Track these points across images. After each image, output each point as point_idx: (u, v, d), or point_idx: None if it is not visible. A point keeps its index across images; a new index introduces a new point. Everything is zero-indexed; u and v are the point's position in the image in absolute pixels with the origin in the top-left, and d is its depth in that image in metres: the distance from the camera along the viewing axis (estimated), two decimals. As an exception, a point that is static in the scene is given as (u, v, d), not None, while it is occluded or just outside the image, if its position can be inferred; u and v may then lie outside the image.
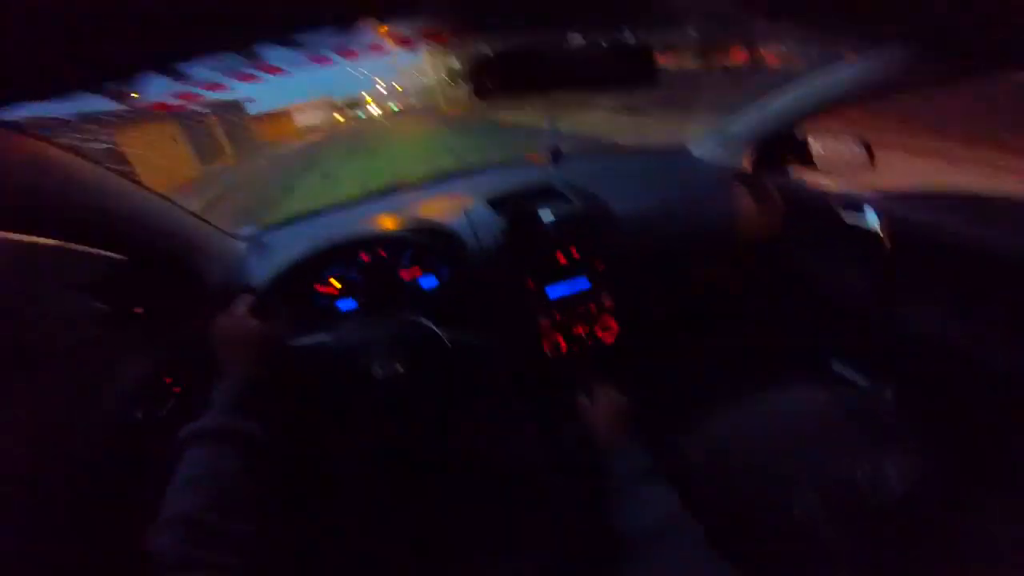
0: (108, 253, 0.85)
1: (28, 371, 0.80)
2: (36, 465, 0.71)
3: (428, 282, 1.08)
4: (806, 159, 1.12)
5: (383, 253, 1.05)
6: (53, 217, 0.69)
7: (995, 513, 0.51)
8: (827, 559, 0.56)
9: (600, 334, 1.11)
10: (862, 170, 1.00)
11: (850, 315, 1.09)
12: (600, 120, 8.58)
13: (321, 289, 1.04)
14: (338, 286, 1.05)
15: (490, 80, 0.66)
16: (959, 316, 0.86)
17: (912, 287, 0.95)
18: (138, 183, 0.86)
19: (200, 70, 0.54)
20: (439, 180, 1.50)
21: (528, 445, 1.14)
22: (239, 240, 1.20)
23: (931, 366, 0.90)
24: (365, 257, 1.05)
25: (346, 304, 1.05)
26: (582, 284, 1.09)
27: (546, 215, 1.08)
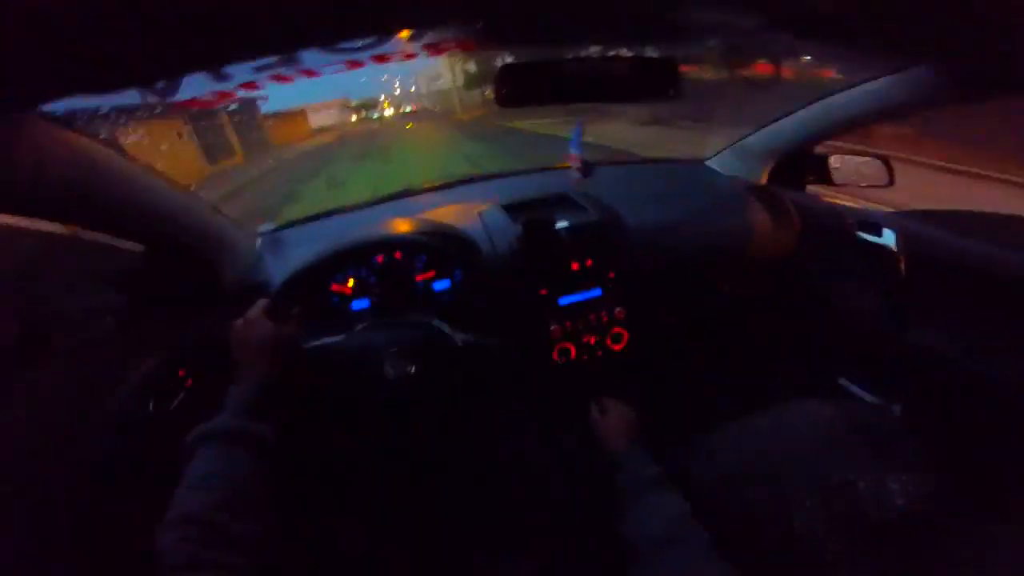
0: (127, 245, 0.91)
1: (45, 360, 0.85)
2: (46, 455, 0.74)
3: (442, 286, 1.12)
4: (824, 176, 1.16)
5: (398, 256, 1.10)
6: (81, 207, 0.73)
7: (997, 533, 0.53)
8: (830, 570, 0.58)
9: (610, 343, 1.14)
10: (880, 188, 1.03)
11: (860, 332, 1.12)
12: (625, 131, 8.59)
13: (336, 289, 1.09)
14: (352, 286, 1.09)
15: (514, 89, 0.71)
16: (969, 336, 0.88)
17: (924, 306, 0.97)
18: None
19: (241, 70, 0.59)
20: (455, 185, 1.55)
21: (534, 449, 1.17)
22: (256, 236, 1.26)
23: (939, 385, 0.92)
24: (380, 259, 1.09)
25: (359, 304, 1.10)
26: (594, 293, 1.12)
27: (561, 224, 1.12)
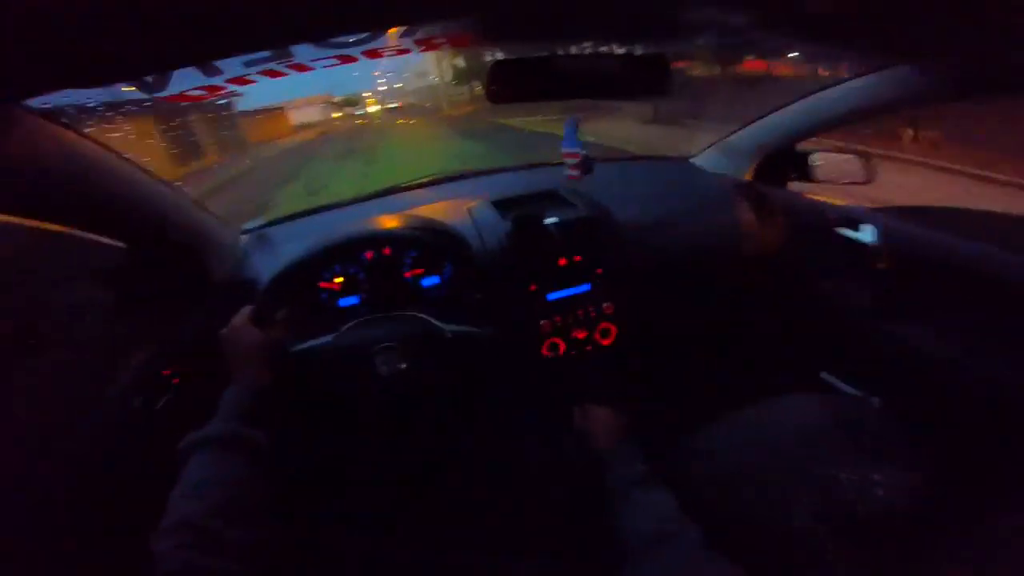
0: (116, 242, 0.91)
1: (28, 357, 0.86)
2: (29, 453, 0.74)
3: (431, 282, 1.15)
4: (807, 173, 1.21)
5: (387, 252, 1.12)
6: (69, 203, 0.74)
7: (978, 523, 0.56)
8: (821, 563, 0.61)
9: (598, 338, 1.17)
10: (860, 185, 1.08)
11: (841, 326, 1.17)
12: (626, 129, 8.54)
13: (324, 286, 1.10)
14: (340, 283, 1.11)
15: (506, 85, 0.73)
16: (949, 331, 0.92)
17: (904, 301, 1.01)
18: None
19: (232, 65, 0.60)
20: (444, 181, 1.58)
21: (529, 445, 1.20)
22: (243, 234, 1.27)
23: (919, 379, 0.96)
24: (370, 255, 1.11)
25: (347, 301, 1.11)
26: (583, 289, 1.16)
27: (551, 220, 1.15)
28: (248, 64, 0.61)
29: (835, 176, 1.14)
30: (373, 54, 0.76)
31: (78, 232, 0.83)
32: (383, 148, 14.23)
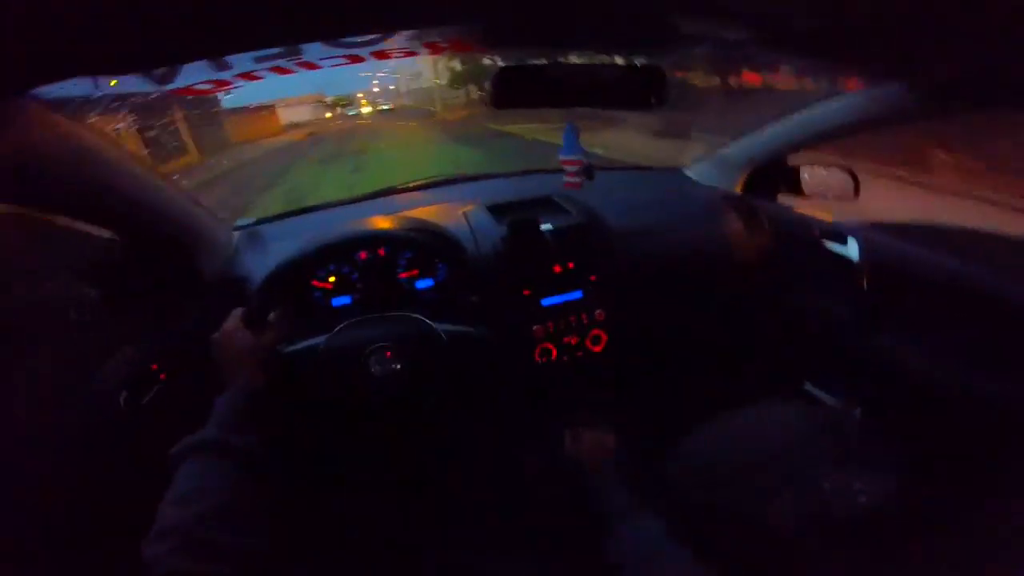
0: (108, 235, 0.93)
1: (13, 349, 0.88)
2: (12, 449, 0.76)
3: (424, 284, 1.18)
4: (795, 186, 1.26)
5: (382, 253, 1.15)
6: (67, 193, 0.76)
7: (953, 527, 0.60)
8: (801, 565, 0.65)
9: (589, 344, 1.22)
10: (847, 200, 1.14)
11: (825, 338, 1.22)
12: (636, 142, 8.48)
13: (317, 285, 1.13)
14: (334, 282, 1.14)
15: (510, 91, 0.77)
16: (929, 345, 0.98)
17: (885, 314, 1.07)
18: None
19: (242, 60, 0.64)
20: (439, 185, 1.63)
21: (519, 449, 1.24)
22: (235, 230, 1.30)
23: (899, 391, 1.02)
24: (364, 256, 1.14)
25: (340, 301, 1.14)
26: (575, 295, 1.20)
27: (546, 226, 1.20)
28: (258, 60, 0.65)
29: (823, 190, 1.19)
30: (381, 55, 0.80)
31: (69, 224, 0.84)
32: (373, 153, 13.71)
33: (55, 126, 0.69)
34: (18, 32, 0.46)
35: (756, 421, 0.88)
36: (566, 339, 1.20)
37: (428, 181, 1.64)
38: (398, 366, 0.99)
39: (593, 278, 1.20)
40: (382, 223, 1.20)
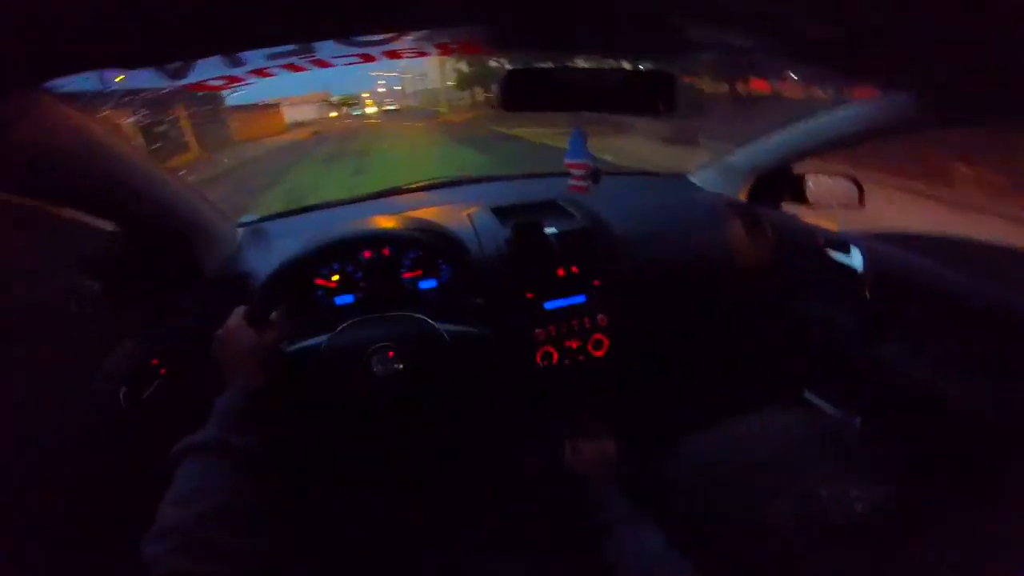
0: (111, 228, 0.95)
1: (13, 344, 0.88)
2: (8, 444, 0.76)
3: (428, 285, 1.20)
4: (800, 195, 1.28)
5: (386, 252, 1.17)
6: (76, 185, 0.78)
7: (951, 539, 0.61)
8: (798, 572, 0.66)
9: (591, 349, 1.23)
10: (851, 209, 1.16)
11: (826, 347, 1.24)
12: (646, 149, 8.38)
13: (320, 283, 1.15)
14: (337, 281, 1.16)
15: (519, 93, 0.79)
16: (930, 356, 0.99)
17: (887, 324, 1.08)
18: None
19: (255, 56, 0.66)
20: (443, 186, 1.65)
21: (519, 452, 1.25)
22: (239, 227, 1.32)
23: (897, 400, 1.03)
24: (368, 255, 1.16)
25: (343, 300, 1.16)
26: (579, 299, 1.22)
27: (550, 230, 1.21)
28: (271, 57, 0.67)
29: (828, 199, 1.21)
30: (393, 55, 0.82)
31: (72, 217, 0.86)
32: (376, 154, 13.67)
33: (67, 119, 0.70)
34: (32, 25, 0.47)
35: (755, 428, 0.89)
36: (568, 343, 1.21)
37: (433, 182, 1.66)
38: (400, 366, 1.00)
39: (597, 283, 1.22)
40: (387, 223, 1.21)
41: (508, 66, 0.77)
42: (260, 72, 0.75)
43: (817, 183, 1.25)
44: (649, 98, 0.81)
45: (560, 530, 0.97)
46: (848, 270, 1.11)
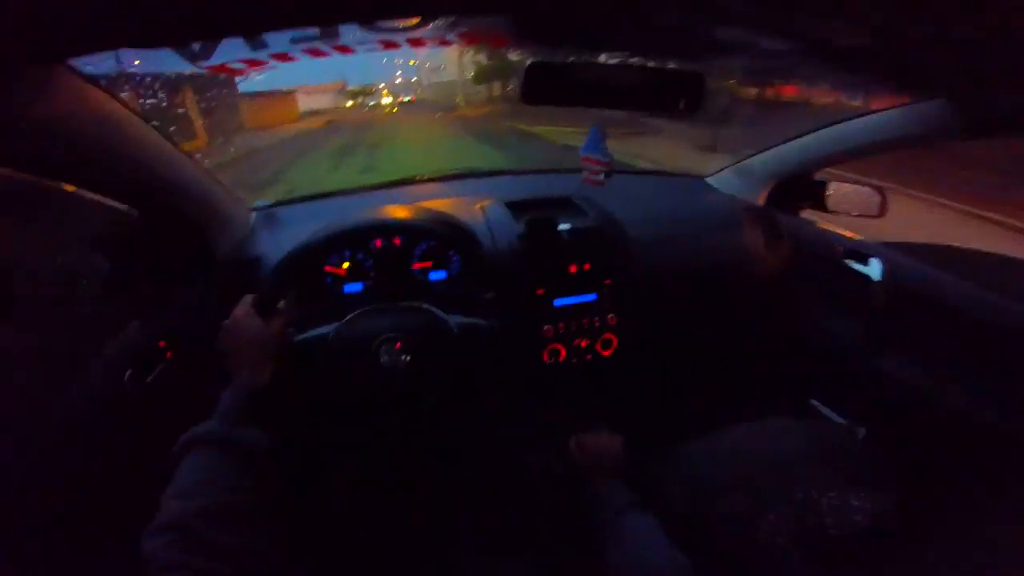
0: (123, 207, 0.97)
1: (22, 320, 0.90)
2: (10, 424, 0.77)
3: (437, 276, 1.22)
4: (820, 202, 1.29)
5: (397, 242, 1.18)
6: (95, 164, 0.79)
7: (948, 553, 0.61)
8: None
9: (599, 348, 1.24)
10: (871, 218, 1.16)
11: (836, 356, 1.24)
12: (680, 156, 8.24)
13: (329, 270, 1.16)
14: (347, 268, 1.17)
15: (541, 87, 0.79)
16: (942, 369, 0.99)
17: (900, 337, 1.09)
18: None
19: (278, 40, 0.67)
20: (457, 178, 1.68)
21: (522, 450, 1.27)
22: (252, 211, 1.34)
23: (905, 413, 1.04)
24: (379, 243, 1.17)
25: (352, 288, 1.18)
26: (589, 297, 1.23)
27: (563, 226, 1.22)
28: (294, 41, 0.68)
29: (848, 207, 1.22)
30: (417, 43, 0.83)
31: (85, 195, 0.87)
32: (388, 150, 13.49)
33: (86, 97, 0.72)
34: (52, 1, 0.48)
35: (759, 434, 0.91)
36: (576, 341, 1.22)
37: (446, 174, 1.68)
38: (407, 358, 1.01)
39: (608, 281, 1.23)
40: (399, 212, 1.23)
41: (527, 59, 0.77)
42: (282, 56, 0.77)
43: (839, 191, 1.25)
44: (673, 97, 0.81)
45: (561, 529, 0.98)
46: (865, 280, 1.12)
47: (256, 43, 0.68)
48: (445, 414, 1.23)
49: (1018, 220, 4.57)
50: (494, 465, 1.29)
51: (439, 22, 0.65)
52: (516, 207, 1.32)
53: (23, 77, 0.60)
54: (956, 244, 1.22)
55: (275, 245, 1.17)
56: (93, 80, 0.72)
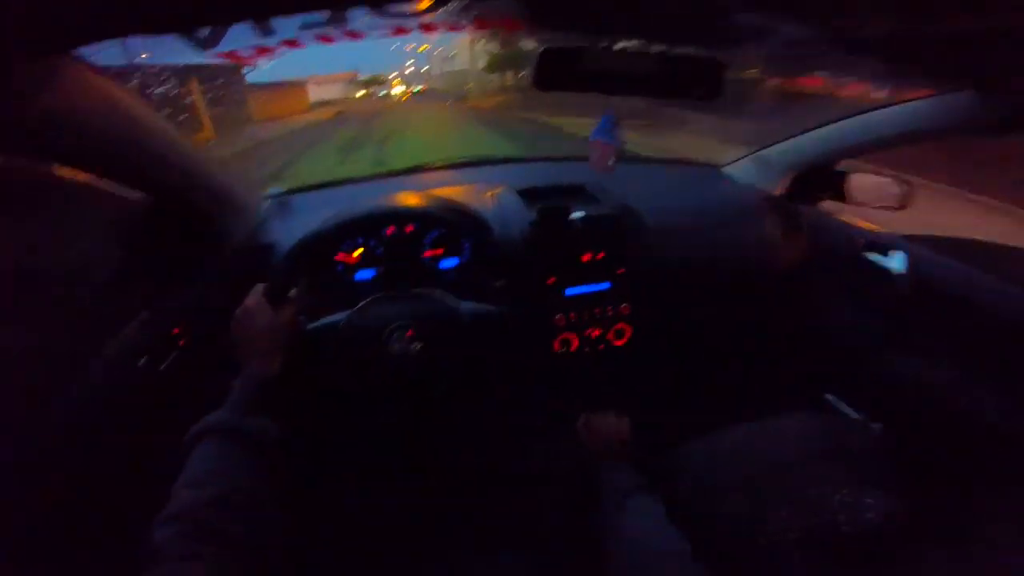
0: (137, 195, 0.98)
1: (36, 308, 0.92)
2: (24, 408, 0.78)
3: (448, 264, 1.22)
4: (841, 193, 1.26)
5: (409, 230, 1.19)
6: (106, 153, 0.80)
7: (959, 554, 0.60)
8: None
9: (612, 338, 1.24)
10: (893, 210, 1.14)
11: (854, 351, 1.23)
12: (709, 151, 8.27)
13: (341, 258, 1.18)
14: (358, 256, 1.19)
15: (554, 73, 0.79)
16: (958, 367, 0.98)
17: (919, 332, 1.08)
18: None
19: (287, 26, 0.67)
20: (468, 165, 1.68)
21: (529, 441, 1.28)
22: (265, 199, 1.36)
23: (923, 410, 1.03)
24: (391, 231, 1.18)
25: (363, 275, 1.19)
26: (602, 287, 1.23)
27: (576, 214, 1.22)
28: (304, 27, 0.68)
29: (869, 199, 1.20)
30: (429, 28, 0.83)
31: (98, 183, 0.88)
32: (397, 143, 13.06)
33: (95, 86, 0.73)
34: None
35: (770, 430, 0.90)
36: (588, 331, 1.23)
37: (458, 161, 1.69)
38: (418, 345, 1.02)
39: (622, 271, 1.23)
40: (411, 199, 1.24)
41: (540, 47, 0.77)
42: (291, 43, 0.77)
43: (861, 181, 1.23)
44: (691, 85, 0.80)
45: (564, 521, 0.99)
46: (885, 274, 1.10)
47: (265, 29, 0.68)
48: (455, 402, 1.24)
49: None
50: (502, 454, 1.30)
51: (451, 6, 0.64)
52: (528, 195, 1.31)
53: (29, 67, 0.61)
54: (985, 238, 1.19)
55: (287, 232, 1.18)
56: (99, 70, 0.73)
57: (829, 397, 1.25)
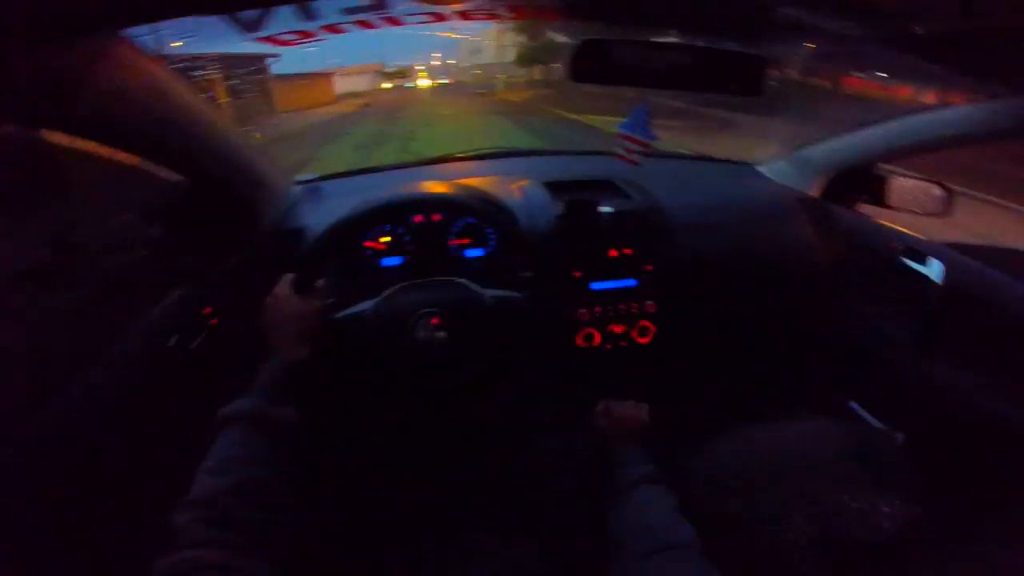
0: (174, 176, 1.02)
1: (68, 285, 0.96)
2: (57, 381, 0.80)
3: (474, 253, 1.25)
4: (880, 197, 1.26)
5: (437, 218, 1.22)
6: (148, 133, 0.84)
7: (975, 566, 0.60)
8: None
9: (636, 335, 1.25)
10: (932, 216, 1.13)
11: (884, 359, 1.22)
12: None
13: (368, 244, 1.21)
14: (386, 243, 1.22)
15: (592, 64, 0.80)
16: (988, 378, 0.98)
17: (952, 341, 1.07)
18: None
19: (330, 10, 0.70)
20: (496, 157, 1.71)
21: (545, 432, 1.30)
22: (297, 184, 1.41)
23: (949, 422, 1.02)
24: (419, 219, 1.21)
25: (389, 261, 1.22)
26: (628, 283, 1.24)
27: (605, 209, 1.23)
28: (346, 11, 0.71)
29: (908, 203, 1.19)
30: (466, 16, 0.85)
31: (137, 163, 0.92)
32: (425, 140, 12.51)
33: (141, 67, 0.76)
34: None
35: (790, 434, 0.91)
36: (612, 327, 1.24)
37: (486, 152, 1.72)
38: (443, 334, 1.05)
39: (649, 267, 1.24)
40: (439, 188, 1.27)
41: (572, 41, 0.78)
42: (332, 28, 0.80)
43: (901, 185, 1.22)
44: (731, 80, 0.80)
45: (573, 513, 1.00)
46: (921, 280, 1.09)
47: (307, 13, 0.71)
48: (476, 392, 1.26)
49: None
50: (518, 446, 1.32)
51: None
52: (556, 188, 1.33)
53: (81, 46, 0.64)
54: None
55: (317, 218, 1.21)
56: (147, 51, 0.76)
57: (853, 405, 1.24)
